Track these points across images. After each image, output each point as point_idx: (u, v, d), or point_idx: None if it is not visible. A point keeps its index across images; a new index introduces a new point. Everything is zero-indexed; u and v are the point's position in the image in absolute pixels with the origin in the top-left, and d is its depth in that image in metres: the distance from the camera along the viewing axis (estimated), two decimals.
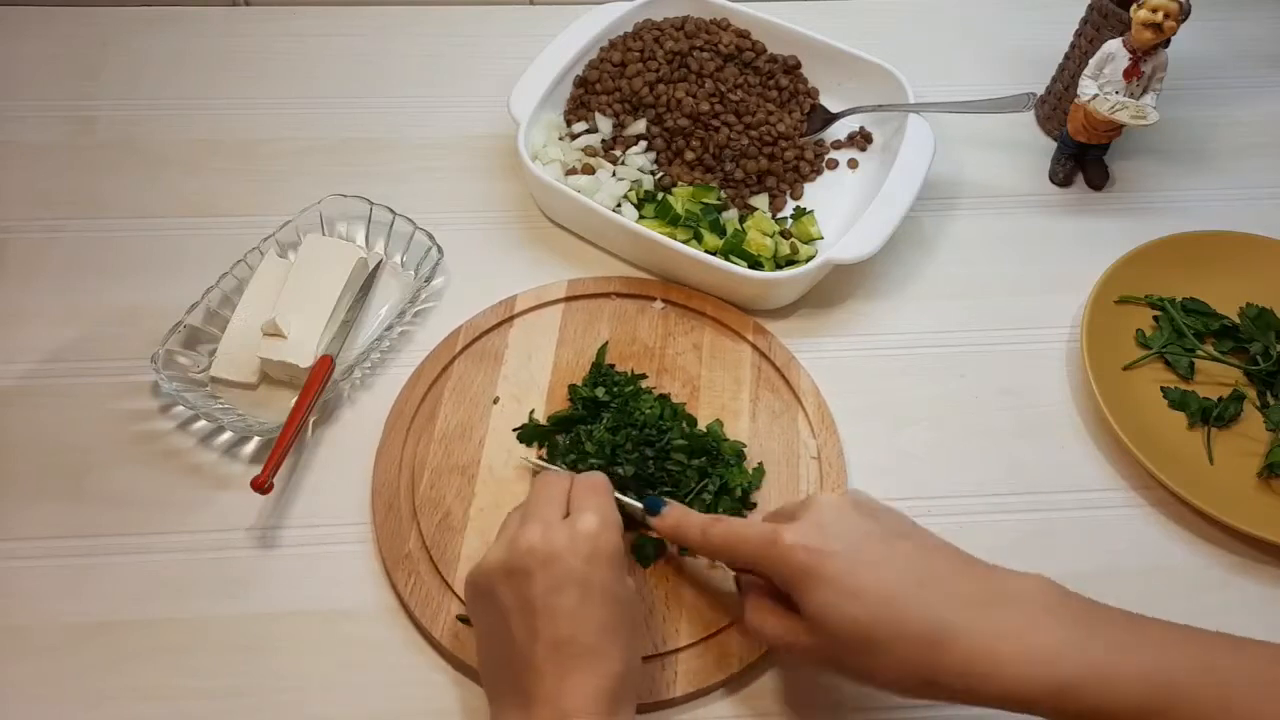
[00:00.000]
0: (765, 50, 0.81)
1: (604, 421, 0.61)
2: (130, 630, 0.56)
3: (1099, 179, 0.80)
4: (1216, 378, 0.68)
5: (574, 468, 0.59)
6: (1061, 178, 0.80)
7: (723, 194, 0.74)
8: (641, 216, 0.71)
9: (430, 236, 0.70)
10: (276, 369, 0.64)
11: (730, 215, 0.73)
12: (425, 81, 0.85)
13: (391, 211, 0.71)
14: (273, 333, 0.64)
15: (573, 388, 0.64)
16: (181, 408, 0.63)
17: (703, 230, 0.70)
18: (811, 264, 0.67)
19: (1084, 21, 0.79)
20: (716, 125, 0.76)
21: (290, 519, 0.60)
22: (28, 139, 0.79)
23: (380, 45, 0.88)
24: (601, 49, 0.80)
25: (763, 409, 0.65)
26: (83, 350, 0.67)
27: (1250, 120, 0.86)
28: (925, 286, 0.74)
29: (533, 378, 0.65)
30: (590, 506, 0.49)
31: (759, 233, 0.71)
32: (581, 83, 0.79)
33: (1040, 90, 0.85)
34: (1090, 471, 0.65)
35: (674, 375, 0.66)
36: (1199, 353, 0.69)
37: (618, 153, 0.76)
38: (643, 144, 0.76)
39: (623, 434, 0.60)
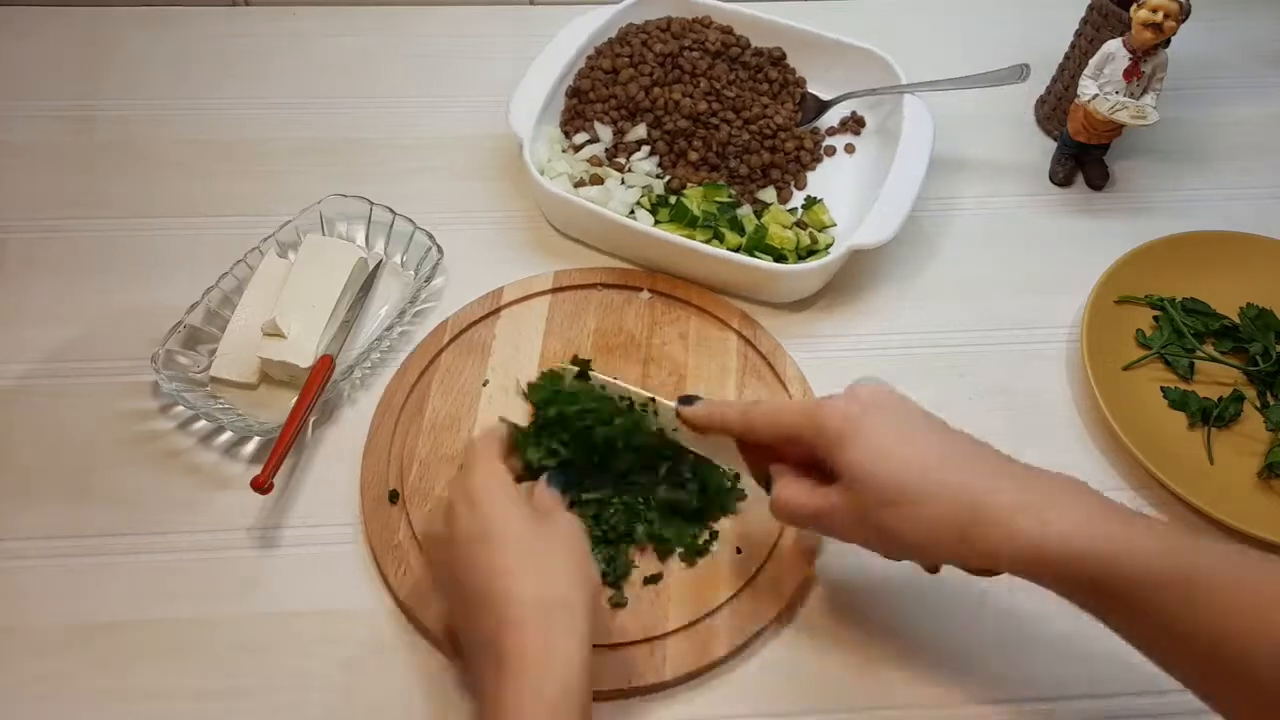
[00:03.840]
0: (750, 44, 0.81)
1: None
2: (130, 630, 0.56)
3: (1099, 179, 0.80)
4: (1216, 378, 0.68)
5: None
6: (1061, 177, 0.80)
7: (732, 191, 0.74)
8: (657, 221, 0.71)
9: (430, 236, 0.70)
10: (276, 369, 0.64)
11: (745, 211, 0.73)
12: (425, 81, 0.85)
13: (391, 211, 0.71)
14: (273, 333, 0.64)
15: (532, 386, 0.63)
16: (181, 408, 0.63)
17: (723, 229, 0.70)
18: (836, 251, 0.68)
19: (1084, 22, 0.79)
20: (716, 123, 0.76)
21: (290, 519, 0.60)
22: (28, 139, 0.79)
23: (380, 45, 0.88)
24: (589, 57, 0.80)
25: (748, 397, 0.65)
26: (83, 350, 0.67)
27: (1250, 120, 0.86)
28: (925, 286, 0.74)
29: (520, 369, 0.65)
30: (468, 461, 0.51)
31: (778, 226, 0.71)
32: (574, 93, 0.79)
33: (1041, 90, 0.85)
34: (1090, 471, 0.64)
35: (660, 364, 0.66)
36: (1199, 353, 0.69)
37: (622, 160, 0.76)
38: (645, 149, 0.76)
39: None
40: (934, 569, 0.50)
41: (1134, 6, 0.70)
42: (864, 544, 0.49)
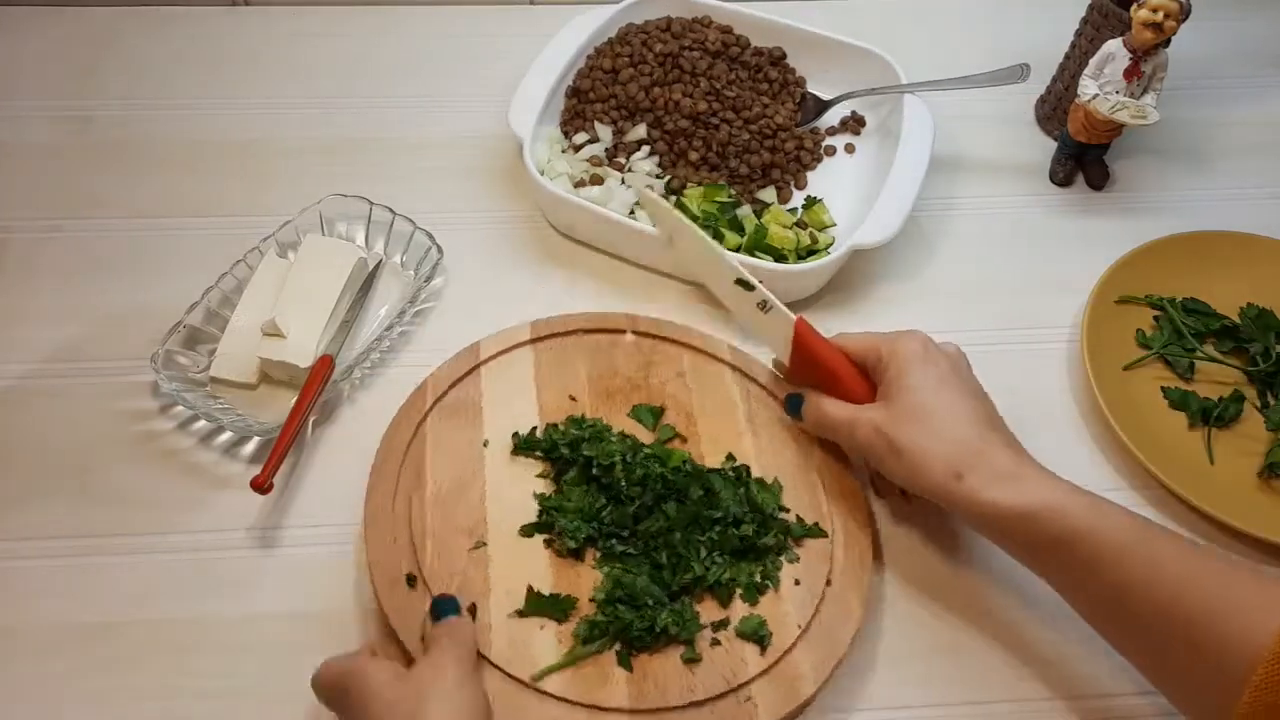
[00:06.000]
0: (750, 44, 0.81)
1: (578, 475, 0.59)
2: (130, 630, 0.56)
3: (1099, 179, 0.80)
4: (1216, 378, 0.68)
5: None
6: (1062, 177, 0.80)
7: (732, 191, 0.74)
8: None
9: (430, 236, 0.70)
10: (276, 369, 0.64)
11: (745, 211, 0.73)
12: (425, 81, 0.85)
13: (391, 211, 0.71)
14: (272, 332, 0.64)
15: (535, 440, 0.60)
16: (181, 408, 0.63)
17: (722, 229, 0.70)
18: (837, 251, 0.68)
19: (1084, 21, 0.79)
20: (716, 123, 0.76)
21: (290, 519, 0.60)
22: (27, 139, 0.79)
23: (380, 45, 0.88)
24: (589, 57, 0.79)
25: (762, 426, 0.63)
26: (82, 350, 0.67)
27: (1251, 120, 0.86)
28: (925, 286, 0.74)
29: (518, 425, 0.61)
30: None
31: (778, 226, 0.71)
32: (574, 93, 0.78)
33: (1041, 90, 0.85)
34: (1090, 471, 0.65)
35: (667, 406, 0.63)
36: (1199, 353, 0.69)
37: (622, 160, 0.76)
38: (645, 149, 0.76)
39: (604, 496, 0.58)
40: (906, 501, 0.60)
41: (1134, 6, 0.70)
42: (870, 453, 0.56)
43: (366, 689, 0.47)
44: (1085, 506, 0.49)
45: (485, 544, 0.56)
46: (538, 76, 0.76)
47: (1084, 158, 0.80)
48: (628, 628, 0.52)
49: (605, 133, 0.77)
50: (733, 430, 0.62)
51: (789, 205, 0.76)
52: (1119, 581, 0.48)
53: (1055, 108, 0.83)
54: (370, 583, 0.55)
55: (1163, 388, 0.68)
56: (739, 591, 0.55)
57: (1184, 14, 0.69)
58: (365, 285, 0.70)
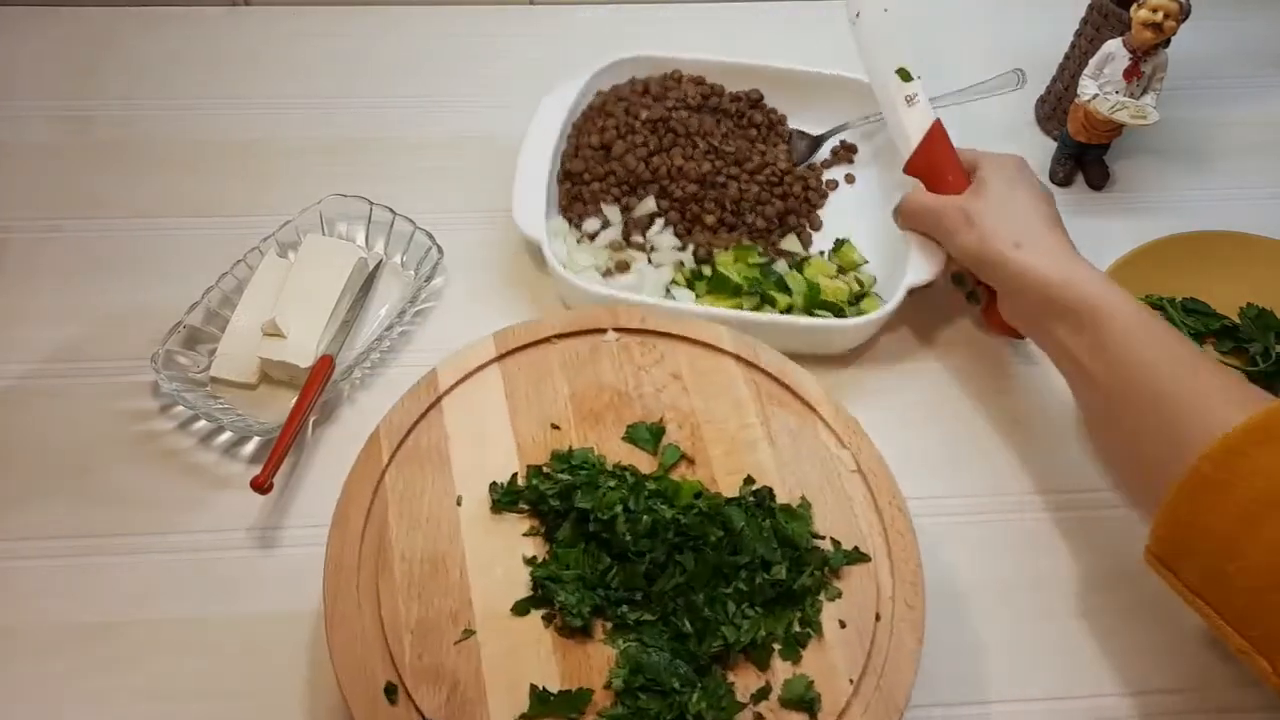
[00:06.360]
0: (725, 91, 0.78)
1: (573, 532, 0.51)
2: (130, 630, 0.56)
3: (1099, 179, 0.80)
4: None
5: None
6: (1061, 177, 0.80)
7: (760, 249, 0.71)
8: (698, 296, 0.68)
9: (430, 236, 0.70)
10: (276, 369, 0.64)
11: (783, 268, 0.70)
12: (425, 81, 0.85)
13: (391, 211, 0.71)
14: (272, 332, 0.64)
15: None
16: (181, 408, 0.63)
17: (771, 292, 0.67)
18: (898, 294, 0.65)
19: (1084, 21, 0.79)
20: (723, 181, 0.72)
21: (290, 519, 0.60)
22: (27, 139, 0.79)
23: (380, 45, 0.88)
24: (571, 136, 0.75)
25: (779, 430, 0.55)
26: (82, 350, 0.67)
27: (1251, 120, 0.86)
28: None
29: (494, 471, 0.53)
30: None
31: (825, 279, 0.69)
32: (567, 176, 0.73)
33: (1041, 90, 0.85)
34: (1092, 472, 0.65)
35: (667, 421, 0.55)
36: None
37: (639, 238, 0.72)
38: (659, 222, 0.72)
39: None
40: (972, 288, 0.71)
41: (1134, 6, 0.70)
42: (951, 230, 0.64)
43: None
44: (1108, 286, 0.57)
45: (473, 631, 0.48)
46: (531, 168, 0.71)
47: (1084, 158, 0.80)
48: None
49: (614, 214, 0.72)
50: (746, 439, 0.55)
51: (815, 249, 0.74)
52: (1117, 355, 0.54)
53: (1055, 108, 0.83)
54: (342, 699, 0.47)
55: None
56: (777, 649, 0.48)
57: (1184, 14, 0.69)
58: (365, 285, 0.70)
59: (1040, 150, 0.82)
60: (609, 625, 0.49)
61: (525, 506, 0.52)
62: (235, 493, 0.61)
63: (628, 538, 0.49)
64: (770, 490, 0.53)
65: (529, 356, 0.57)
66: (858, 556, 0.51)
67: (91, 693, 0.54)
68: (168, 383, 0.62)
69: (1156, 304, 0.71)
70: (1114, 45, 0.72)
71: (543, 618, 0.49)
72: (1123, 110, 0.72)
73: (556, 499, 0.51)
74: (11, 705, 0.54)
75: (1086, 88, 0.73)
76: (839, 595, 0.50)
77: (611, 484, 0.51)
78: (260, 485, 0.58)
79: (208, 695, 0.54)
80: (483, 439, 0.54)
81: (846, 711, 0.47)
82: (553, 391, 0.56)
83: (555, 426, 0.55)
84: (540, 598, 0.49)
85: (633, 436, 0.55)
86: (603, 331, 0.58)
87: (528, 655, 0.48)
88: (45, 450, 0.62)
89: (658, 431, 0.55)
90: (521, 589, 0.50)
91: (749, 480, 0.54)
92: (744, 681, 0.47)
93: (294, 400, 0.62)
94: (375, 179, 0.76)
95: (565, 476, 0.52)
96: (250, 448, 0.63)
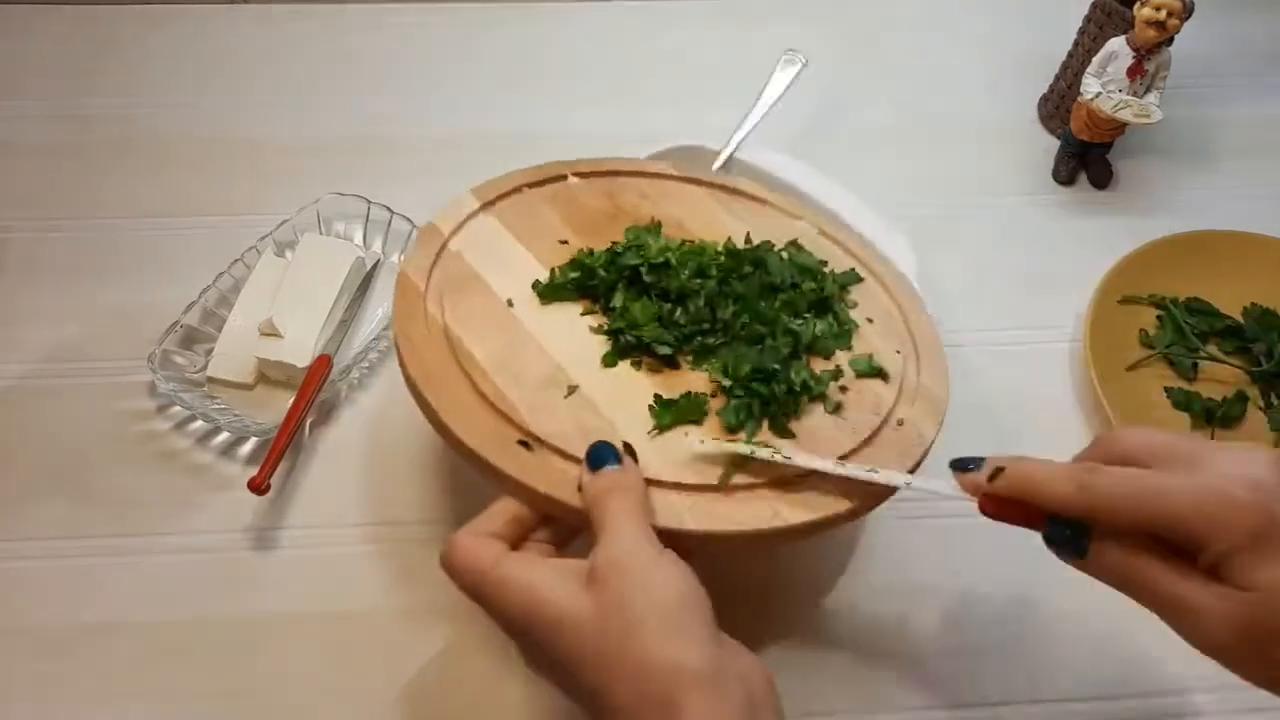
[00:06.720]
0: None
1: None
2: (128, 630, 0.56)
3: (1102, 178, 0.80)
4: (1220, 378, 0.68)
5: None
6: (1064, 176, 0.80)
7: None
8: None
9: None
10: (273, 369, 0.64)
11: None
12: (423, 80, 0.85)
13: (389, 210, 0.71)
14: (270, 332, 0.64)
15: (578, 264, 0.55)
16: (178, 408, 0.63)
17: None
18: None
19: (1087, 20, 0.79)
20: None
21: (288, 519, 0.60)
22: (26, 138, 0.79)
23: (378, 44, 0.88)
24: None
25: (744, 211, 0.62)
26: (79, 350, 0.67)
27: (1255, 119, 0.85)
28: (927, 286, 0.73)
29: (526, 277, 0.55)
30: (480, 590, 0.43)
31: None
32: None
33: (1044, 88, 0.84)
34: None
35: (655, 220, 0.59)
36: (1202, 353, 0.68)
37: None
38: None
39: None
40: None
41: (1137, 4, 0.69)
42: (1232, 664, 0.39)
43: (547, 616, 0.40)
44: None
45: (577, 387, 0.51)
46: None
47: (1087, 156, 0.79)
48: (772, 398, 0.50)
49: None
50: (725, 226, 0.60)
51: None
52: None
53: (1058, 106, 0.82)
54: (479, 464, 0.47)
55: (1166, 388, 0.67)
56: (834, 342, 0.55)
57: (1187, 12, 0.69)
58: (363, 284, 0.69)
59: (1043, 149, 0.82)
60: (690, 356, 0.53)
61: (574, 289, 0.55)
62: (232, 493, 0.60)
63: (684, 275, 0.54)
64: (768, 241, 0.59)
65: (509, 202, 0.60)
66: (854, 277, 0.60)
67: (89, 693, 0.54)
68: (164, 383, 0.62)
69: (1160, 304, 0.71)
70: (1117, 43, 0.72)
71: (631, 364, 0.52)
72: (1126, 109, 0.72)
73: (605, 269, 0.55)
74: (11, 705, 0.54)
75: (1089, 86, 0.73)
76: (856, 304, 0.58)
77: (651, 239, 0.57)
78: (258, 486, 0.58)
79: (206, 696, 0.54)
80: (502, 261, 0.57)
81: (905, 372, 0.55)
82: (546, 221, 0.59)
83: (563, 241, 0.58)
84: (624, 345, 0.53)
85: (636, 236, 0.58)
86: (564, 178, 0.62)
87: (633, 393, 0.51)
88: (41, 450, 0.62)
89: (656, 227, 0.59)
90: (600, 349, 0.53)
91: (746, 239, 0.60)
92: (817, 368, 0.54)
93: (291, 400, 0.62)
94: (373, 177, 0.76)
95: (609, 250, 0.56)
96: (247, 448, 0.63)
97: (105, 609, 0.57)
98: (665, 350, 0.52)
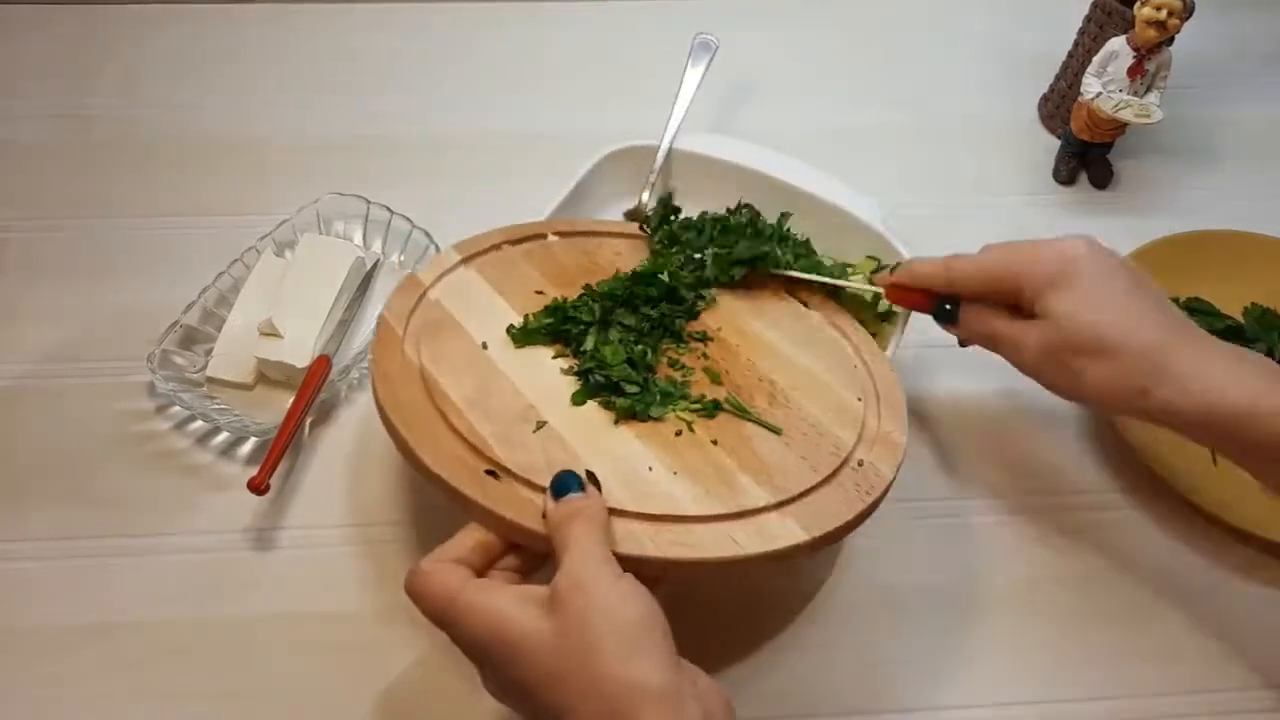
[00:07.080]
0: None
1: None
2: (126, 632, 0.56)
3: (1103, 177, 0.80)
4: None
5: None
6: (1065, 176, 0.80)
7: None
8: None
9: (428, 235, 0.70)
10: (273, 369, 0.64)
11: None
12: (423, 80, 0.85)
13: (389, 210, 0.71)
14: (269, 332, 0.64)
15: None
16: (178, 408, 0.63)
17: None
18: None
19: (1087, 19, 0.78)
20: None
21: (287, 520, 0.60)
22: (26, 138, 0.79)
23: (379, 44, 0.88)
24: None
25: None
26: (79, 350, 0.67)
27: (1256, 119, 0.85)
28: None
29: (501, 323, 0.57)
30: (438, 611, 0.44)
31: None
32: None
33: (1044, 88, 0.84)
34: (1093, 472, 0.64)
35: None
36: None
37: None
38: None
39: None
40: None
41: (1138, 4, 0.69)
42: (1040, 377, 0.53)
43: (508, 638, 0.41)
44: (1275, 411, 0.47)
45: (545, 422, 0.52)
46: None
47: (1087, 156, 0.79)
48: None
49: None
50: None
51: None
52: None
53: (1058, 106, 0.82)
54: (447, 490, 0.48)
55: None
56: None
57: (1187, 12, 0.69)
58: (363, 284, 0.69)
59: (1043, 149, 0.82)
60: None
61: (547, 335, 0.57)
62: (232, 493, 0.60)
63: (668, 278, 0.59)
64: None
65: (488, 257, 0.62)
66: (842, 271, 0.63)
67: (91, 693, 0.54)
68: (164, 383, 0.62)
69: None
70: (1117, 43, 0.72)
71: (599, 404, 0.54)
72: (1126, 109, 0.72)
73: (576, 308, 0.57)
74: (11, 705, 0.53)
75: (1090, 86, 0.73)
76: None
77: (609, 279, 0.60)
78: (257, 486, 0.58)
79: (207, 695, 0.54)
80: (479, 309, 0.58)
81: (866, 418, 0.55)
82: (523, 273, 0.61)
83: (539, 292, 0.60)
84: (594, 385, 0.54)
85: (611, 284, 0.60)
86: (543, 236, 0.64)
87: (599, 430, 0.52)
88: (40, 451, 0.62)
89: (629, 276, 0.61)
90: (572, 386, 0.54)
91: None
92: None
93: (291, 401, 0.62)
94: (373, 177, 0.76)
95: (577, 298, 0.58)
96: (247, 448, 0.63)
97: (105, 609, 0.56)
98: (633, 389, 0.54)
